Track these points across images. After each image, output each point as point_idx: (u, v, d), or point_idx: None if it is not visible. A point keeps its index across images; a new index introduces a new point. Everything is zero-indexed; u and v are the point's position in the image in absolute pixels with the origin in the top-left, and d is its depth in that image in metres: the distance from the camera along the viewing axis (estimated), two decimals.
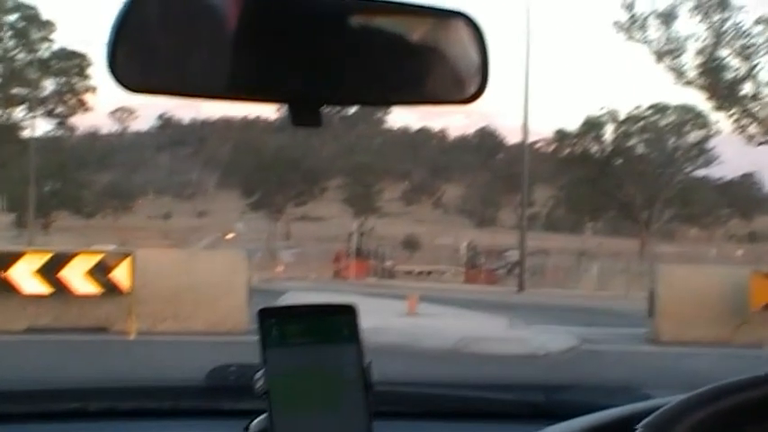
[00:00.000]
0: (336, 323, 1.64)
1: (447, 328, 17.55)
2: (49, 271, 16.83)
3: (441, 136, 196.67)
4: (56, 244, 44.62)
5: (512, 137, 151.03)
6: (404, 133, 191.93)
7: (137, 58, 1.46)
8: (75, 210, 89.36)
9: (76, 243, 55.00)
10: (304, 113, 1.52)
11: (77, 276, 16.83)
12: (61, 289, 16.79)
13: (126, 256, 17.33)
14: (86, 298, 16.92)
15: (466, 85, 1.56)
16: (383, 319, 17.84)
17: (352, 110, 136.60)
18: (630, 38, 53.36)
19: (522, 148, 54.42)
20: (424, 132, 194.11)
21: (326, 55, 1.49)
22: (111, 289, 16.86)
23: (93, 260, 17.11)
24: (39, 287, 16.76)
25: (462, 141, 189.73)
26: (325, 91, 1.50)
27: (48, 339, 15.68)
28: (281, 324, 1.62)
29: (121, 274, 16.88)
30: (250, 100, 1.50)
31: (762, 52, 50.17)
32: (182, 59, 1.46)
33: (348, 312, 1.65)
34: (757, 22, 50.01)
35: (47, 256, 17.16)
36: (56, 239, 70.82)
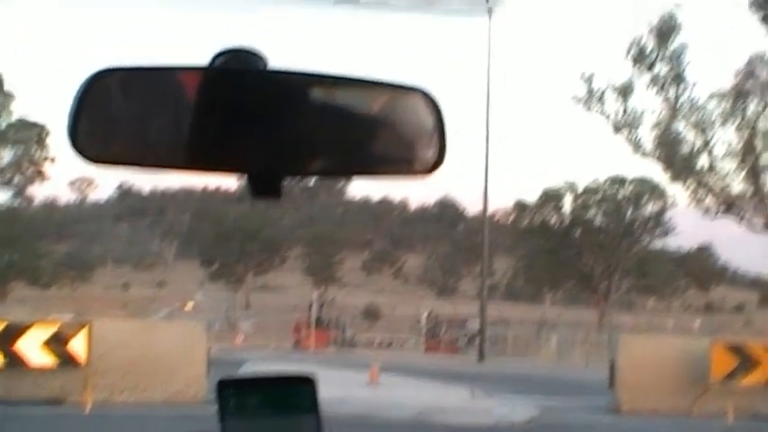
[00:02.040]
0: (295, 394, 1.64)
1: (408, 398, 17.45)
2: (4, 342, 16.60)
3: (402, 206, 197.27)
4: (12, 314, 44.09)
5: (472, 208, 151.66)
6: (365, 203, 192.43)
7: (98, 130, 1.47)
8: (33, 280, 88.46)
9: (32, 314, 54.37)
10: (263, 186, 1.53)
11: (33, 348, 16.61)
12: (16, 361, 16.56)
13: (83, 326, 17.12)
14: (42, 370, 16.69)
15: (423, 158, 1.58)
16: (344, 389, 17.73)
17: (313, 180, 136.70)
18: (589, 110, 53.90)
19: (483, 219, 54.59)
20: (385, 203, 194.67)
21: (286, 128, 1.50)
22: (68, 360, 16.64)
23: (49, 331, 16.89)
24: None
25: (423, 212, 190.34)
26: (284, 163, 1.51)
27: (2, 412, 15.44)
28: (239, 395, 1.62)
29: (78, 345, 16.67)
30: (210, 172, 1.51)
31: (716, 126, 50.82)
32: (142, 132, 1.47)
33: (307, 383, 1.66)
34: (711, 96, 50.74)
35: (1, 326, 16.93)
36: (12, 310, 69.97)
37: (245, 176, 1.51)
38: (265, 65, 1.51)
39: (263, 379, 1.65)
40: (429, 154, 1.59)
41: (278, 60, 1.56)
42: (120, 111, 1.49)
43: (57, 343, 16.66)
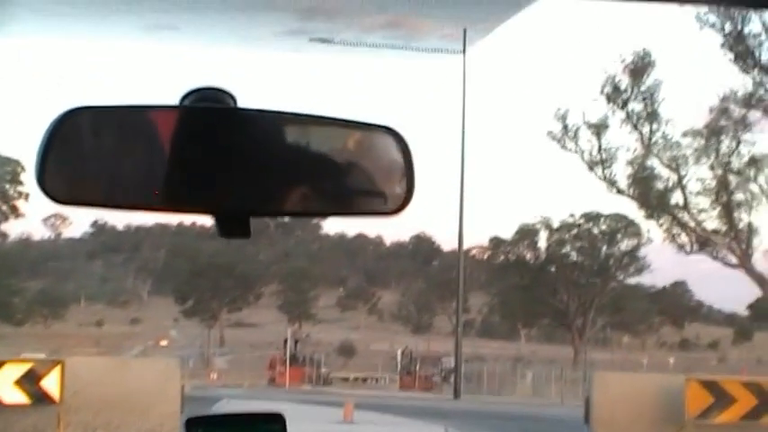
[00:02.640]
0: (264, 431, 1.64)
1: None
2: None
3: (376, 242, 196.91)
4: None
5: (447, 244, 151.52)
6: (340, 239, 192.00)
7: (66, 171, 1.47)
8: (5, 317, 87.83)
9: (5, 351, 54.01)
10: (231, 225, 1.53)
11: (6, 385, 16.48)
12: None
13: (56, 364, 16.99)
14: (14, 408, 16.55)
15: (391, 196, 1.59)
16: (319, 427, 17.66)
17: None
18: (563, 147, 54.16)
19: (458, 256, 54.60)
20: (359, 239, 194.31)
21: (255, 167, 1.51)
22: (41, 398, 16.50)
23: (22, 369, 16.76)
24: None
25: (398, 248, 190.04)
26: (253, 203, 1.51)
27: None
28: None
29: (51, 383, 16.54)
30: (178, 212, 1.51)
31: (690, 163, 51.16)
32: (111, 172, 1.47)
33: (276, 421, 1.65)
34: (684, 134, 51.10)
35: None
36: None
37: (214, 217, 1.51)
38: (235, 103, 1.52)
39: (232, 416, 1.65)
40: (398, 192, 1.59)
41: (248, 100, 1.56)
42: (88, 150, 1.49)
43: (30, 381, 16.53)
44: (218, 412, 1.71)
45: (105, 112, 1.50)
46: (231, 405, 23.86)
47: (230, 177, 1.49)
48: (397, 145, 1.60)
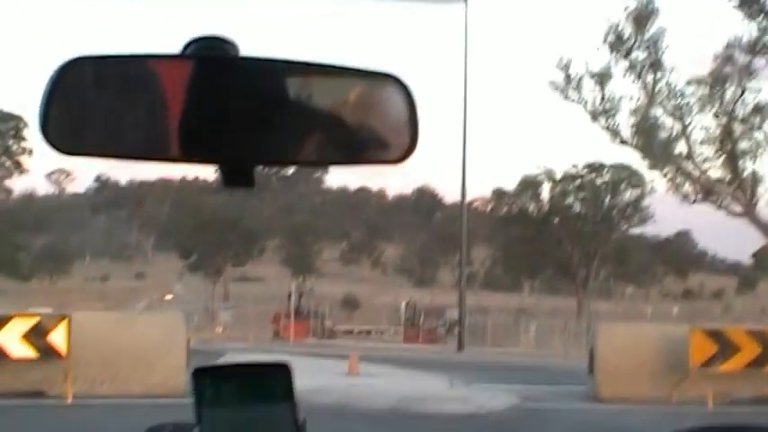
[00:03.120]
0: (271, 382, 1.65)
1: (388, 387, 17.48)
2: None
3: (379, 195, 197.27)
4: None
5: (450, 196, 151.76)
6: (343, 193, 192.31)
7: (69, 121, 1.47)
8: (11, 272, 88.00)
9: (12, 306, 54.20)
10: (236, 174, 1.52)
11: (13, 340, 16.57)
12: None
13: (63, 318, 17.08)
14: (22, 362, 16.66)
15: (395, 145, 1.58)
16: (324, 379, 17.75)
17: (291, 169, 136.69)
18: (566, 98, 53.94)
19: (461, 208, 54.60)
20: (362, 192, 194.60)
21: (258, 116, 1.50)
22: (48, 352, 16.60)
23: (29, 323, 16.86)
24: None
25: (401, 201, 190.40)
26: (256, 152, 1.51)
27: None
28: (215, 384, 1.62)
29: (58, 338, 16.64)
30: (182, 161, 1.50)
31: (694, 112, 50.94)
32: (114, 122, 1.47)
33: (282, 371, 1.66)
34: (689, 82, 50.85)
35: None
36: None
37: (218, 166, 1.50)
38: (237, 52, 1.51)
39: (239, 367, 1.66)
40: (402, 141, 1.59)
41: (250, 49, 1.56)
42: (91, 100, 1.48)
43: (37, 335, 16.63)
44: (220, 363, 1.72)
45: (107, 60, 1.49)
46: (236, 358, 23.95)
47: (234, 127, 1.48)
48: (402, 93, 1.59)
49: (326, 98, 1.57)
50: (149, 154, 1.49)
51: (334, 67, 1.58)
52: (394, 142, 1.59)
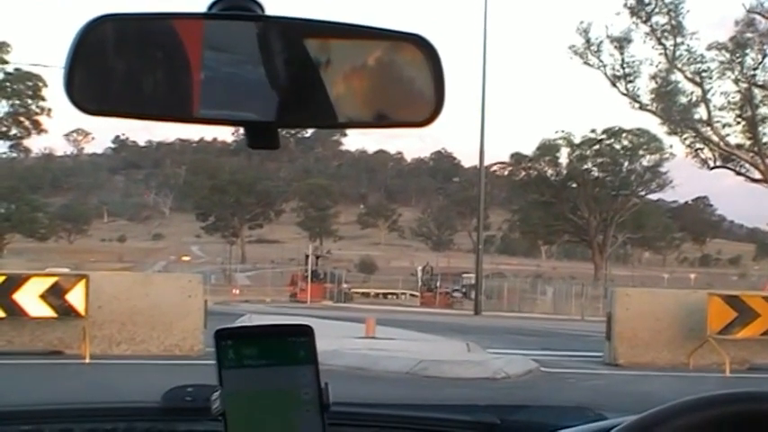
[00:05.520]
0: (293, 344, 1.64)
1: (405, 350, 17.52)
2: (2, 294, 16.63)
3: (397, 159, 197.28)
4: (9, 267, 44.24)
5: (467, 160, 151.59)
6: (360, 156, 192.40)
7: (94, 81, 1.45)
8: (29, 232, 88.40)
9: (30, 266, 54.53)
10: (260, 136, 1.51)
11: (31, 299, 16.65)
12: (14, 312, 16.61)
13: (80, 278, 17.14)
14: (40, 321, 16.75)
15: (421, 107, 1.56)
16: (341, 341, 17.80)
17: (309, 132, 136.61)
18: (586, 63, 53.79)
19: (479, 172, 54.54)
20: (380, 156, 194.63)
21: (282, 77, 1.48)
22: (66, 312, 16.67)
23: (47, 283, 16.92)
24: None
25: (418, 165, 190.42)
26: (280, 113, 1.49)
27: (1, 363, 15.51)
28: (237, 345, 1.61)
29: (76, 298, 16.71)
30: (206, 123, 1.49)
31: (714, 77, 50.72)
32: (138, 82, 1.45)
33: (304, 333, 1.65)
34: (709, 47, 50.60)
35: (0, 279, 16.96)
36: (9, 262, 70.11)
37: (242, 127, 1.49)
38: (263, 11, 1.50)
39: (260, 329, 1.65)
40: (428, 102, 1.57)
41: (275, 9, 1.54)
42: (115, 61, 1.47)
43: (55, 295, 16.69)
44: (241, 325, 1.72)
45: (131, 19, 1.48)
46: (254, 321, 24.06)
47: (259, 87, 1.47)
48: (426, 54, 1.57)
49: (352, 59, 1.55)
50: (173, 114, 1.48)
51: (359, 26, 1.56)
52: (420, 104, 1.57)
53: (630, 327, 18.36)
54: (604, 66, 53.08)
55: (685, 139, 53.37)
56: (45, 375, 14.24)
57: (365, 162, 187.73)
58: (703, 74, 50.57)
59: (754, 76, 49.85)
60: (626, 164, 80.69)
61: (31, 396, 11.56)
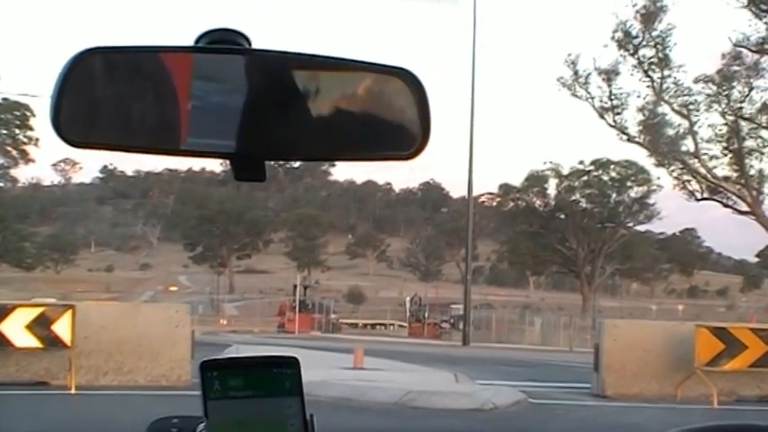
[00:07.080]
0: (278, 376, 1.64)
1: (393, 381, 17.48)
2: None
3: (386, 189, 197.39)
4: None
5: (456, 191, 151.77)
6: (349, 186, 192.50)
7: (80, 113, 1.46)
8: (16, 262, 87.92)
9: (16, 296, 54.32)
10: (246, 168, 1.52)
11: (17, 330, 16.56)
12: (0, 342, 16.52)
13: (67, 308, 17.08)
14: (26, 351, 16.67)
15: (407, 140, 1.57)
16: (329, 372, 17.75)
17: (298, 162, 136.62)
18: (574, 94, 53.94)
19: (467, 202, 54.56)
20: (369, 186, 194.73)
21: (269, 110, 1.49)
22: (52, 342, 16.59)
23: (33, 313, 16.85)
24: None
25: (407, 195, 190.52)
26: (267, 146, 1.50)
27: None
28: (222, 377, 1.61)
29: (62, 328, 16.63)
30: (193, 155, 1.50)
31: (701, 110, 50.88)
32: (126, 114, 1.46)
33: (290, 365, 1.65)
34: (696, 80, 50.77)
35: None
36: None
37: (228, 160, 1.50)
38: (249, 45, 1.50)
39: (246, 360, 1.65)
40: (414, 136, 1.58)
41: (261, 41, 1.55)
42: (103, 92, 1.47)
43: (41, 325, 16.61)
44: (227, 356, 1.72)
45: (119, 53, 1.48)
46: (241, 351, 23.97)
47: (245, 120, 1.48)
48: (414, 87, 1.58)
49: (339, 92, 1.56)
50: (161, 147, 1.49)
51: (345, 60, 1.56)
52: (406, 137, 1.57)
53: (618, 358, 18.35)
54: (592, 98, 53.25)
55: (673, 170, 53.51)
56: (31, 406, 14.15)
57: (354, 192, 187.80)
58: (690, 106, 50.74)
59: (740, 108, 50.02)
60: (614, 195, 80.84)
61: (17, 427, 11.48)
